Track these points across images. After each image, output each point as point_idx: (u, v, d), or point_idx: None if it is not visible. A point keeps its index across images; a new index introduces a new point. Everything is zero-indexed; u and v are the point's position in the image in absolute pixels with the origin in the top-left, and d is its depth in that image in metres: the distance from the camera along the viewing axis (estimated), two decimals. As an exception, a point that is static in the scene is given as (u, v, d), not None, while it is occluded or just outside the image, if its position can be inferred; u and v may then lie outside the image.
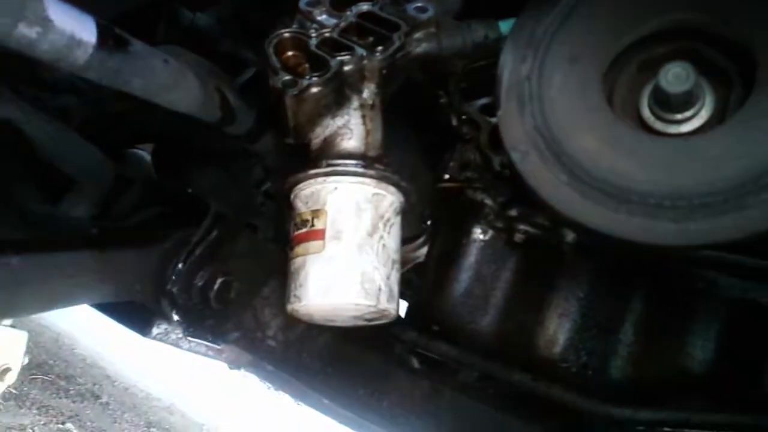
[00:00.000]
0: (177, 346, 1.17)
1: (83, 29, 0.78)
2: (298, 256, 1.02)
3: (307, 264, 1.01)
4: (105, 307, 1.17)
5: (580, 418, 0.94)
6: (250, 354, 1.11)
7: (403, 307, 1.24)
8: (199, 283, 1.08)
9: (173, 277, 1.05)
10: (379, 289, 1.00)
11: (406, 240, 1.26)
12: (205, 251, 1.08)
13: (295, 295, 1.01)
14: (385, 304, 1.01)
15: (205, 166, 1.39)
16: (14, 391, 3.61)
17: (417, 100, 1.26)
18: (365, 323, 1.06)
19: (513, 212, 1.08)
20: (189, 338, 1.11)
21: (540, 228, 1.06)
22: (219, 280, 1.09)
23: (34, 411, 3.54)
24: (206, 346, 1.16)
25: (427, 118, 1.28)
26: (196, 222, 1.08)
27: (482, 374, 1.03)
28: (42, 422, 3.45)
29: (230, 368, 1.17)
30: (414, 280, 1.34)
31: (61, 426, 3.54)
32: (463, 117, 1.21)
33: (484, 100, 1.20)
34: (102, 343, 5.85)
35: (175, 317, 1.06)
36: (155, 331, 1.13)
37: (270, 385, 1.20)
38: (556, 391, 0.96)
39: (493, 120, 1.14)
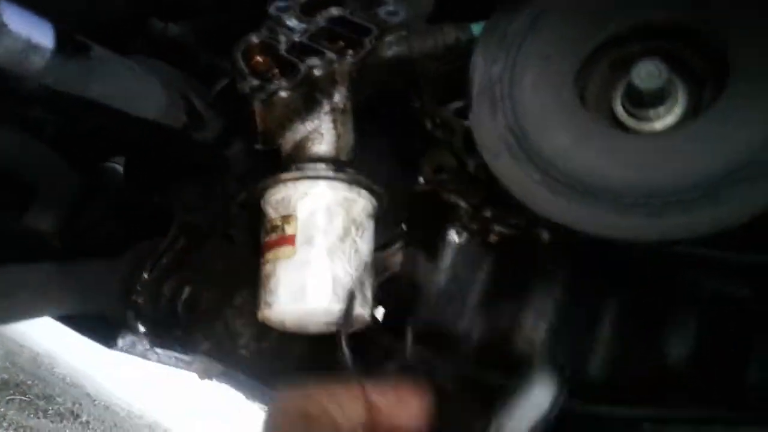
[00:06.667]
0: (145, 357, 1.14)
1: (40, 34, 0.76)
2: (269, 262, 1.00)
3: (278, 270, 0.99)
4: (69, 320, 1.14)
5: (558, 417, 0.92)
6: (221, 364, 1.09)
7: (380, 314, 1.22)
8: (167, 293, 1.06)
9: (139, 288, 1.03)
10: (352, 295, 0.98)
11: (383, 245, 1.24)
12: (172, 260, 1.05)
13: (266, 302, 0.99)
14: (358, 309, 0.99)
15: (180, 179, 1.36)
16: (-10, 413, 3.54)
17: (390, 105, 1.24)
18: (339, 330, 1.04)
19: (487, 213, 1.06)
20: (157, 350, 1.08)
21: (515, 228, 1.05)
22: (187, 290, 1.07)
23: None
24: (175, 357, 1.13)
25: (400, 124, 1.26)
26: (163, 232, 1.05)
27: (458, 377, 1.02)
28: (19, 443, 3.39)
29: (201, 378, 1.14)
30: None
31: (39, 446, 3.48)
32: (437, 121, 1.20)
33: (457, 104, 1.18)
34: (82, 362, 5.77)
35: (142, 329, 1.03)
36: (121, 343, 1.10)
37: (242, 395, 1.18)
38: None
39: (467, 123, 1.12)
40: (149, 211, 1.11)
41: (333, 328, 1.04)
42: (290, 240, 0.99)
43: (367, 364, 1.07)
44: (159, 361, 1.15)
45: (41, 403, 4.09)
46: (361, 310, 1.00)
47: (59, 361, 5.43)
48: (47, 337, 6.07)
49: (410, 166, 1.22)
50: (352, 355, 1.03)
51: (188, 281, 1.06)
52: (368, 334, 1.09)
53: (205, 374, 1.12)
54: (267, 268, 1.00)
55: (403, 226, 1.22)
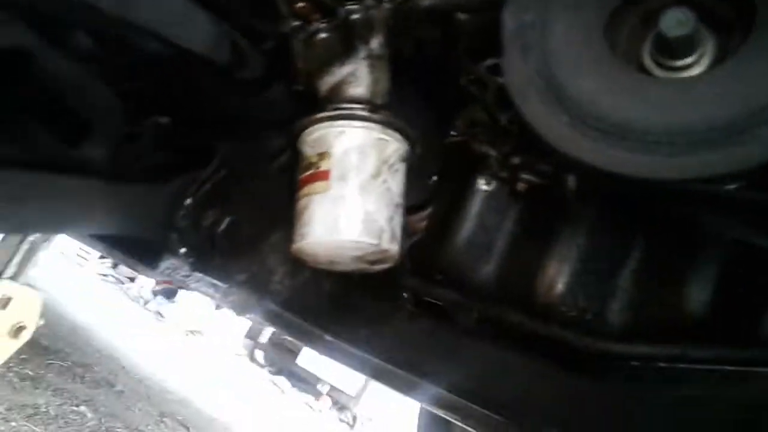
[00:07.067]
0: (185, 284, 1.19)
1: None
2: (304, 197, 1.05)
3: (313, 203, 1.03)
4: (114, 241, 1.19)
5: (577, 355, 0.95)
6: (256, 295, 1.14)
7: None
8: (208, 221, 1.11)
9: (182, 213, 1.08)
10: (382, 230, 1.03)
11: (415, 208, 1.28)
12: (214, 189, 1.11)
13: (300, 234, 1.04)
14: (387, 244, 1.03)
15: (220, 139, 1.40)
16: (30, 373, 3.66)
17: (426, 61, 1.28)
18: (368, 267, 1.08)
19: (516, 160, 1.09)
20: (196, 274, 1.13)
21: (542, 176, 1.08)
22: (227, 220, 1.12)
23: (50, 393, 3.59)
24: (213, 286, 1.18)
25: (435, 80, 1.30)
26: (206, 165, 1.11)
27: (481, 316, 1.05)
28: (57, 403, 3.50)
29: (237, 314, 1.19)
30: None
31: (75, 408, 3.59)
32: (471, 77, 1.23)
33: (491, 61, 1.22)
34: (118, 336, 5.93)
35: (183, 251, 1.09)
36: (163, 265, 1.16)
37: (274, 328, 1.22)
38: (552, 330, 0.97)
39: (500, 80, 1.15)
40: (194, 144, 1.15)
41: (362, 266, 1.08)
42: (325, 175, 1.03)
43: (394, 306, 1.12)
44: (197, 289, 1.21)
45: (79, 370, 4.22)
46: (390, 246, 1.04)
47: (97, 334, 5.60)
48: (86, 311, 6.26)
49: (443, 121, 1.26)
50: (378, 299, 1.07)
51: (228, 213, 1.12)
52: (395, 277, 1.13)
53: (240, 309, 1.17)
54: (302, 202, 1.05)
55: (435, 178, 1.25)
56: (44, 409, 3.35)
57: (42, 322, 1.70)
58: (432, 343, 1.03)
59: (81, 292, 7.31)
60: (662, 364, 0.91)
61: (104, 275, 10.01)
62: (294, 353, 8.86)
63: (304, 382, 8.69)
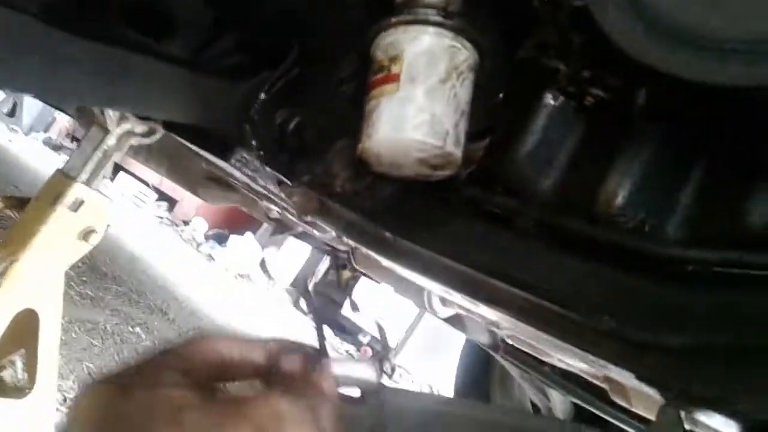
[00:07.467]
0: (253, 179, 1.24)
1: None
2: (373, 99, 1.08)
3: (381, 104, 1.06)
4: (192, 132, 1.25)
5: (631, 259, 0.96)
6: (318, 196, 1.18)
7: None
8: (279, 118, 1.15)
9: (256, 107, 1.13)
10: (447, 133, 1.05)
11: (475, 135, 1.29)
12: (286, 88, 1.15)
13: (367, 134, 1.07)
14: (451, 148, 1.05)
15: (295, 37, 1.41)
16: (90, 293, 3.84)
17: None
18: (430, 172, 1.10)
19: (586, 74, 1.09)
20: (264, 167, 1.18)
21: (611, 91, 1.08)
22: (296, 119, 1.16)
23: (108, 312, 3.77)
24: (279, 182, 1.23)
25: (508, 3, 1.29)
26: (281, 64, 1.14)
27: (538, 221, 1.07)
28: (114, 322, 3.67)
29: (299, 214, 1.23)
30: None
31: (131, 329, 3.76)
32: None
33: (567, -16, 1.21)
34: (172, 271, 6.14)
35: (254, 143, 1.13)
36: (235, 157, 1.21)
37: (334, 231, 1.27)
38: (608, 234, 0.99)
39: (576, 2, 1.14)
40: (273, 43, 1.18)
41: (424, 171, 1.11)
42: (395, 77, 1.05)
43: (452, 217, 1.14)
44: (264, 187, 1.25)
45: (134, 295, 4.41)
46: (454, 150, 1.06)
47: (153, 266, 5.80)
48: (143, 246, 6.48)
49: (512, 42, 1.25)
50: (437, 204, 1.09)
51: (298, 113, 1.15)
52: (455, 186, 1.16)
53: (302, 209, 1.21)
54: (371, 104, 1.08)
55: (501, 96, 1.25)
56: (102, 326, 3.52)
57: (110, 227, 1.77)
58: (490, 243, 1.05)
59: (138, 229, 7.57)
60: (718, 269, 0.91)
61: (160, 217, 10.30)
62: (338, 304, 9.04)
63: (347, 332, 8.88)
